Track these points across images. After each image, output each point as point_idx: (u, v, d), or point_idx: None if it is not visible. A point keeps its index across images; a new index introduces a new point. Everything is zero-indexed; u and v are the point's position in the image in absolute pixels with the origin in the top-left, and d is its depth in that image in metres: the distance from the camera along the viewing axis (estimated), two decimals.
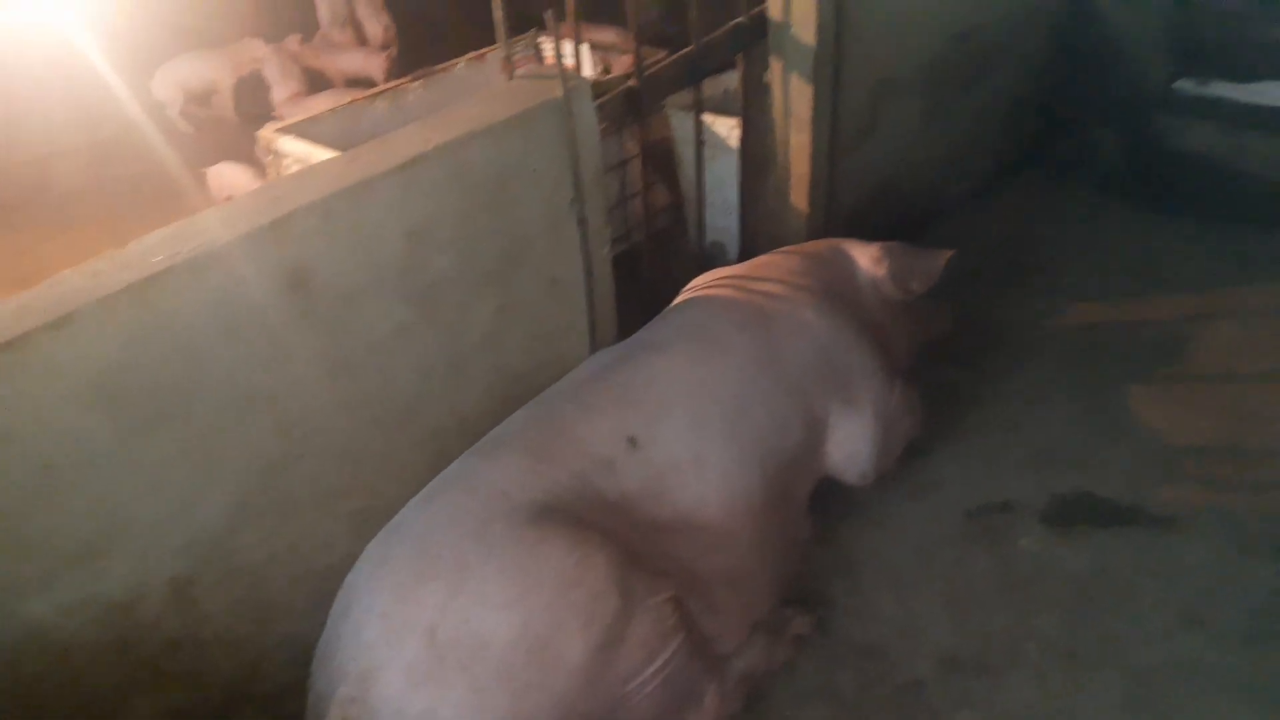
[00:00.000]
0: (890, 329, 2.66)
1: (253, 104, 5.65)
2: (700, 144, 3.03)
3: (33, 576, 1.71)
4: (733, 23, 2.93)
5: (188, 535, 1.88)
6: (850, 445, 2.44)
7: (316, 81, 5.52)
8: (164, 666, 1.92)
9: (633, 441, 2.08)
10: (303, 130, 3.41)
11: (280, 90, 5.35)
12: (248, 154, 4.08)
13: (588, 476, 2.00)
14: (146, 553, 1.83)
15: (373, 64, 5.50)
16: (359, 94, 3.85)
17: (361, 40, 5.86)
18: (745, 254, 3.18)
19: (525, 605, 1.75)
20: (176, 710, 1.97)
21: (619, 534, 1.95)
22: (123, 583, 1.82)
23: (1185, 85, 4.09)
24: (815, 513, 2.52)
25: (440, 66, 3.91)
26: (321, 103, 4.58)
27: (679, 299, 2.62)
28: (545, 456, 1.99)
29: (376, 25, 5.83)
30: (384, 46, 5.79)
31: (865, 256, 2.67)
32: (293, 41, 5.60)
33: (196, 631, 1.95)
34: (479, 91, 2.83)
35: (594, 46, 4.15)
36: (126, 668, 1.87)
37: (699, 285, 2.64)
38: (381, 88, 3.87)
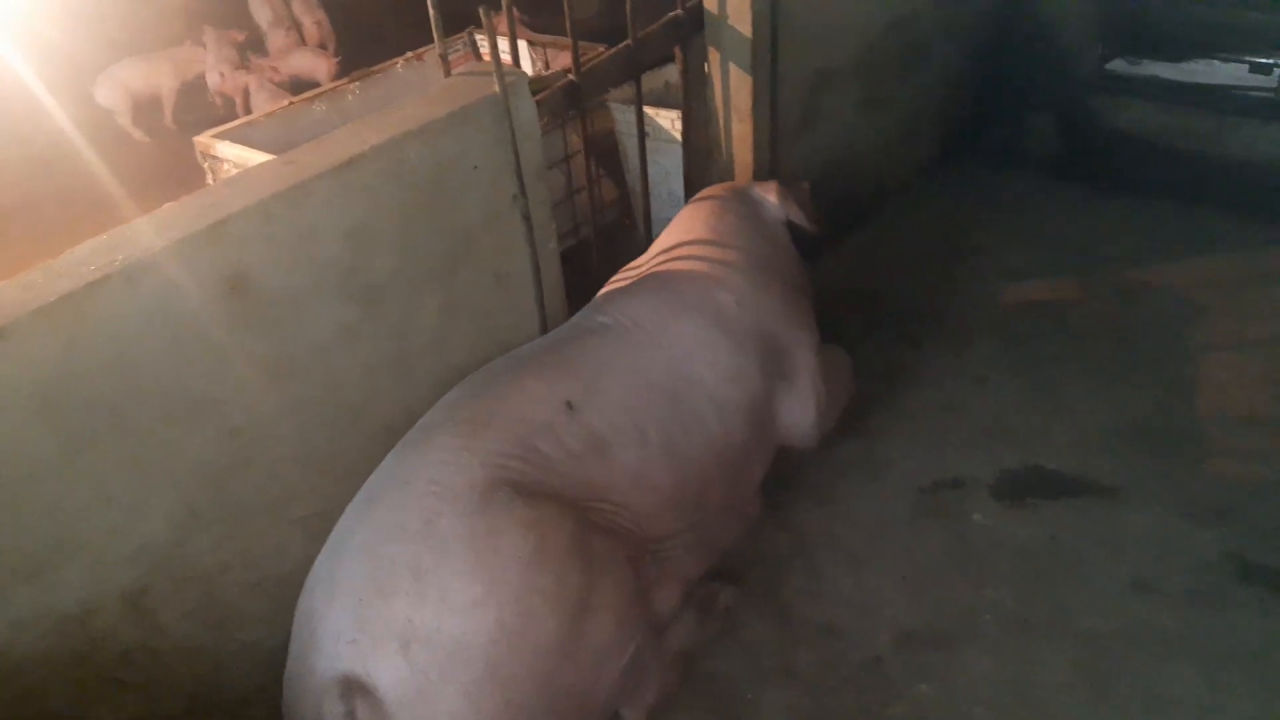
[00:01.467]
0: (796, 271, 2.73)
1: (192, 110, 5.58)
2: (643, 137, 3.04)
3: None
4: (669, 15, 2.94)
5: (138, 545, 1.85)
6: (792, 415, 2.51)
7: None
8: (122, 677, 1.89)
9: (570, 405, 2.08)
10: (240, 134, 3.37)
11: (212, 72, 5.37)
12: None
13: (527, 440, 1.98)
14: (98, 564, 1.80)
15: (320, 65, 5.46)
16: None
17: (301, 40, 5.84)
18: None
19: (494, 601, 1.73)
20: None
21: (569, 494, 1.96)
22: (75, 595, 1.78)
23: (1118, 65, 4.19)
24: (769, 495, 2.55)
25: (378, 67, 3.89)
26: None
27: (607, 286, 2.63)
28: (478, 431, 1.96)
29: (310, 22, 5.80)
30: (321, 44, 5.76)
31: (770, 195, 2.76)
32: (236, 34, 5.57)
33: (153, 642, 1.92)
34: (417, 91, 2.82)
35: (532, 43, 4.14)
36: (84, 681, 1.84)
37: (628, 270, 2.66)
38: (318, 90, 3.84)
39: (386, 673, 1.68)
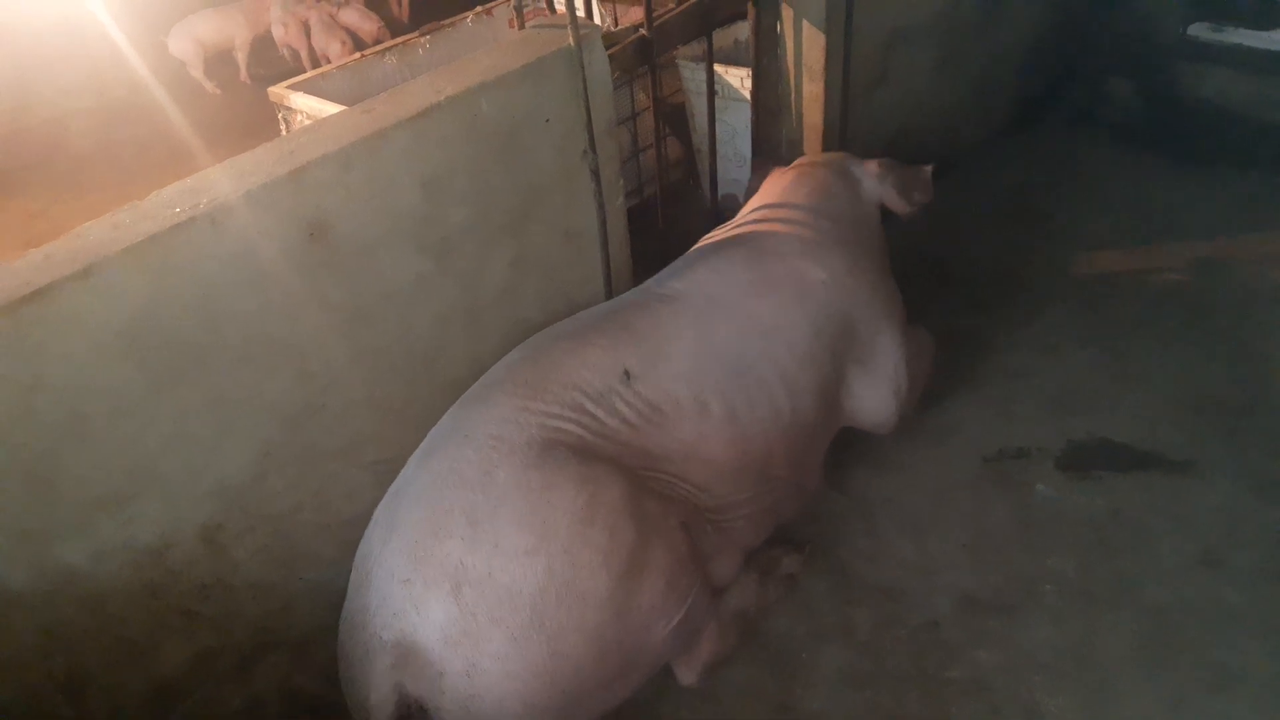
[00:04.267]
0: (884, 252, 2.68)
1: (264, 64, 5.65)
2: (712, 95, 3.02)
3: (65, 524, 1.75)
4: None
5: (215, 483, 1.91)
6: (868, 401, 2.44)
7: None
8: (196, 609, 1.96)
9: (627, 374, 2.08)
10: (313, 86, 3.40)
11: (276, 26, 5.43)
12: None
13: (584, 408, 2.00)
14: (176, 500, 1.87)
15: (366, 26, 5.49)
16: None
17: None
18: None
19: (545, 551, 1.76)
20: (206, 653, 2.02)
21: (623, 459, 1.97)
22: (153, 529, 1.85)
23: (1200, 31, 4.05)
24: (832, 460, 2.54)
25: (448, 21, 3.89)
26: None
27: (691, 252, 2.61)
28: (537, 394, 1.99)
29: None
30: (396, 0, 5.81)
31: (869, 172, 2.69)
32: None
33: (226, 577, 1.99)
34: (486, 46, 2.82)
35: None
36: (159, 611, 1.91)
37: (712, 237, 2.62)
38: (389, 43, 3.85)
39: (437, 612, 1.73)
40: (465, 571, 1.74)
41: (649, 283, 2.42)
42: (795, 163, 2.78)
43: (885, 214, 2.73)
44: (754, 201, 2.66)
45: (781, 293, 2.34)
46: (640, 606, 1.85)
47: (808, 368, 2.31)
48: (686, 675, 2.10)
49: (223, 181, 1.83)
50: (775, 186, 2.67)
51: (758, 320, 2.27)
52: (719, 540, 2.18)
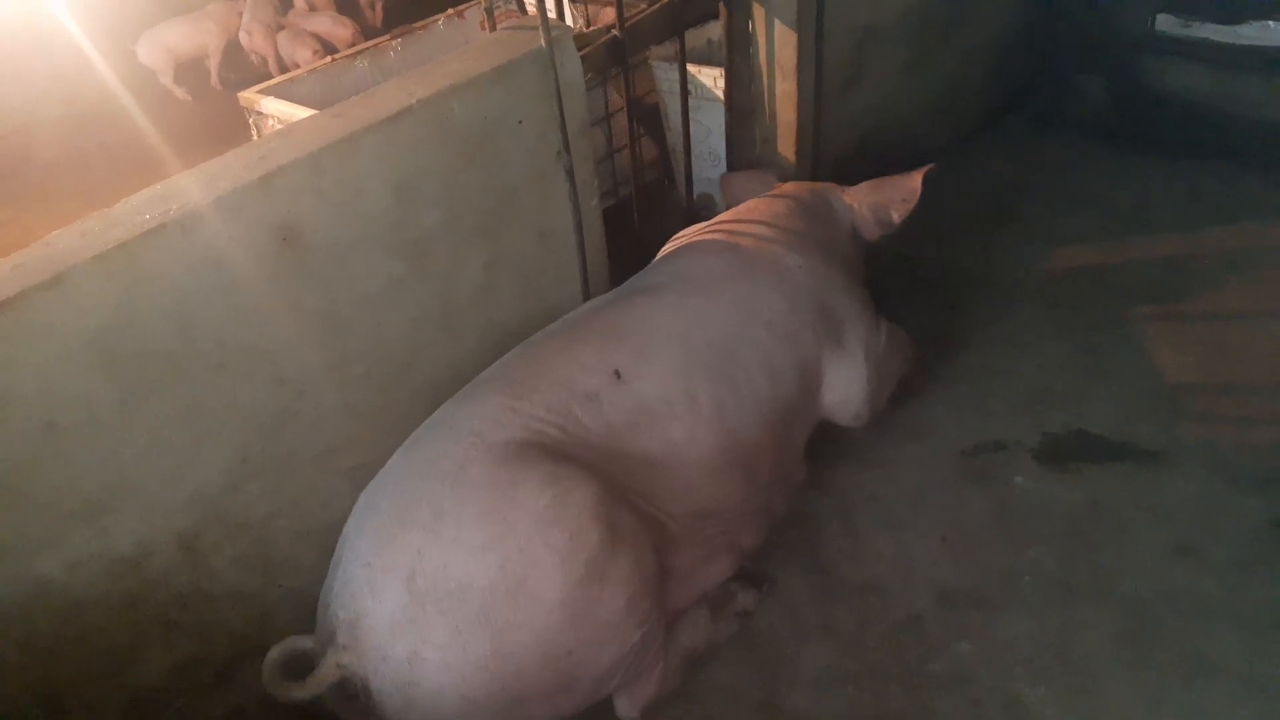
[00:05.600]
0: (859, 267, 2.70)
1: (235, 69, 5.60)
2: (685, 95, 3.02)
3: (41, 535, 1.73)
4: None
5: (191, 491, 1.90)
6: (843, 388, 2.45)
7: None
8: (175, 619, 1.94)
9: (617, 374, 2.07)
10: (284, 91, 3.38)
11: (244, 29, 5.41)
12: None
13: (570, 410, 1.99)
14: (152, 509, 1.85)
15: (339, 32, 5.46)
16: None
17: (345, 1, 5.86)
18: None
19: (501, 547, 1.75)
20: (185, 663, 1.99)
21: (603, 468, 1.95)
22: (130, 539, 1.83)
23: (1167, 25, 4.09)
24: (811, 457, 2.55)
25: (419, 24, 3.88)
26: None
27: (666, 249, 2.63)
28: (524, 393, 1.99)
29: None
30: (369, 4, 5.78)
31: (843, 199, 2.71)
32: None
33: (205, 585, 1.97)
34: (458, 48, 2.81)
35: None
36: (138, 622, 1.89)
37: (687, 234, 2.64)
38: (360, 46, 3.84)
39: (389, 597, 1.73)
40: (422, 560, 1.74)
41: (634, 279, 2.43)
42: (771, 191, 2.79)
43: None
44: (728, 213, 2.68)
45: (759, 275, 2.36)
46: (595, 618, 1.81)
47: (788, 348, 2.32)
48: (628, 710, 2.04)
49: (193, 188, 1.81)
50: (750, 203, 2.70)
51: (738, 302, 2.29)
52: (712, 547, 2.18)
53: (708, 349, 2.19)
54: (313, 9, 5.62)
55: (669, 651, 2.08)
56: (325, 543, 2.01)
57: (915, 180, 2.65)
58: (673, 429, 2.09)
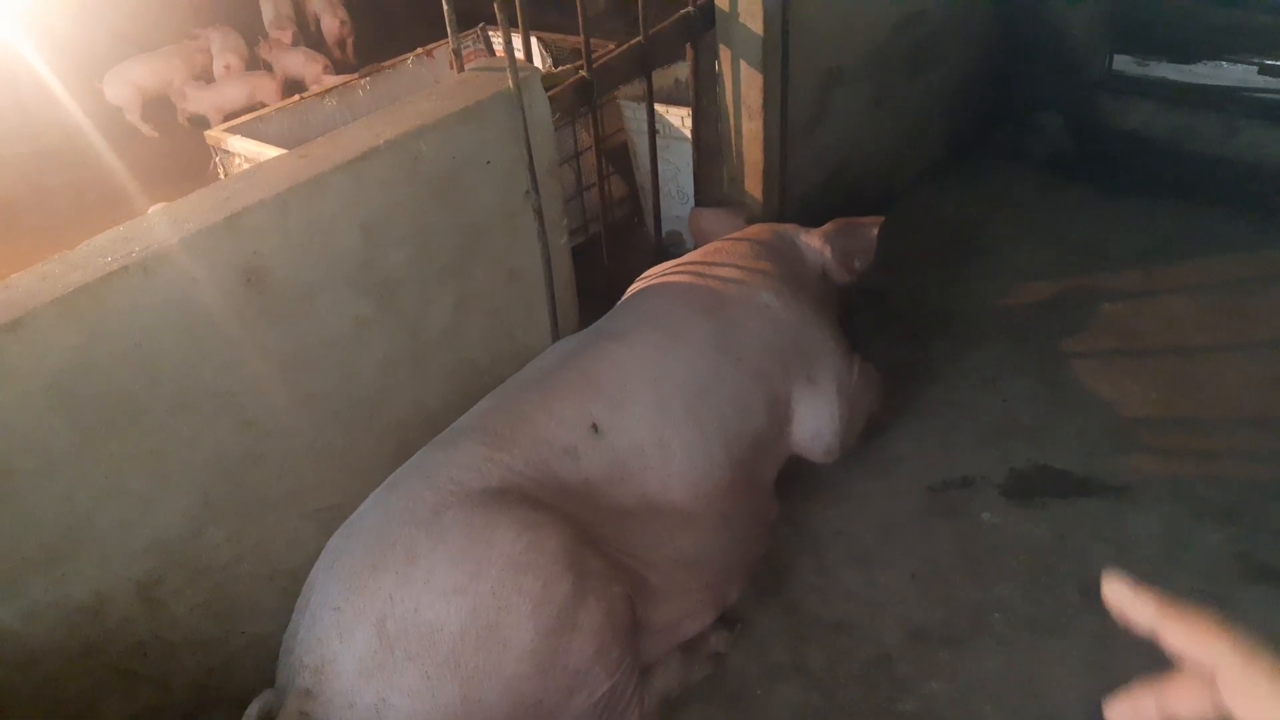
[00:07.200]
0: (830, 303, 2.71)
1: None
2: (653, 134, 3.05)
3: None
4: (680, 13, 2.95)
5: (152, 537, 1.87)
6: (814, 424, 2.46)
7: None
8: (134, 668, 1.90)
9: (595, 428, 2.07)
10: (251, 129, 3.38)
11: (219, 61, 5.35)
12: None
13: (548, 465, 1.98)
14: (111, 555, 1.82)
15: (310, 68, 5.47)
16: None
17: (315, 37, 5.86)
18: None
19: (473, 590, 1.73)
20: (145, 713, 1.96)
21: (580, 519, 1.94)
22: (88, 586, 1.80)
23: (1126, 65, 4.19)
24: (780, 493, 2.55)
25: (388, 63, 3.89)
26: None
27: (634, 287, 2.64)
28: (504, 445, 1.98)
29: (333, 20, 5.83)
30: (339, 41, 5.79)
31: (811, 241, 2.73)
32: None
33: (165, 633, 1.93)
34: (427, 87, 2.83)
35: (542, 40, 4.15)
36: (97, 671, 1.85)
37: (654, 274, 2.65)
38: (329, 85, 3.84)
39: (358, 643, 1.70)
40: (393, 605, 1.72)
41: (602, 320, 2.43)
42: (736, 233, 2.81)
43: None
44: (695, 253, 2.69)
45: (730, 312, 2.37)
46: (565, 667, 1.79)
47: (759, 384, 2.33)
48: None
49: (157, 229, 1.80)
50: (716, 244, 2.71)
51: (709, 341, 2.30)
52: (695, 602, 2.16)
53: (679, 392, 2.19)
54: (285, 47, 5.63)
55: (644, 699, 2.05)
56: (290, 587, 1.99)
57: (871, 234, 2.71)
58: (647, 480, 2.09)
